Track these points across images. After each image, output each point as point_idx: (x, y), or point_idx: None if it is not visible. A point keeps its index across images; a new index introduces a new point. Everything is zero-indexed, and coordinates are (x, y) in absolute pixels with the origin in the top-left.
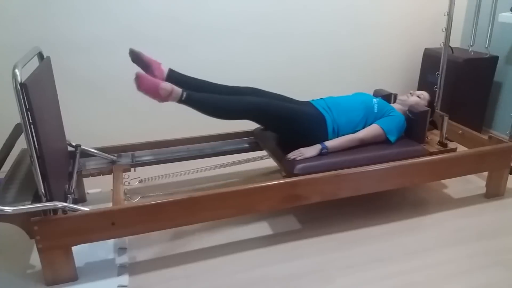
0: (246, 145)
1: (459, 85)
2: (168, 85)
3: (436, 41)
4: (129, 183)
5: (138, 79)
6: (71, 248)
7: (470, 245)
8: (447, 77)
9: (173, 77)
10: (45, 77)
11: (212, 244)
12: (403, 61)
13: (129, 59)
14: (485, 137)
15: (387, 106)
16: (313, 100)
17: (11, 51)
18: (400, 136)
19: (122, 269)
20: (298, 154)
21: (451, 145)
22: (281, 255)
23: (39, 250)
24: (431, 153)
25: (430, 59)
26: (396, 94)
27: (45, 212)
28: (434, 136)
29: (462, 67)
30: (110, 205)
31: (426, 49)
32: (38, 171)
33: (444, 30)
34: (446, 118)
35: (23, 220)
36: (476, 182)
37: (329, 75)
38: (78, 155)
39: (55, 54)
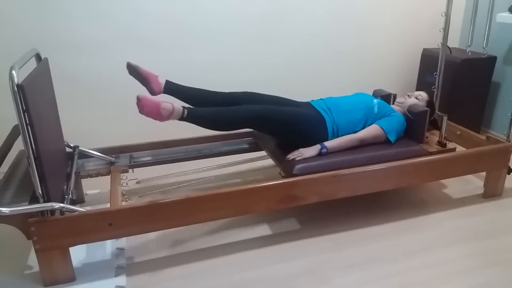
0: (246, 146)
1: (457, 85)
2: (168, 105)
3: (434, 42)
4: (127, 184)
5: (139, 102)
6: (68, 249)
7: (469, 245)
8: (445, 77)
9: (170, 88)
10: (42, 78)
11: (210, 245)
12: (402, 61)
13: (127, 59)
14: (483, 137)
15: (387, 107)
16: (312, 100)
17: (10, 53)
18: (399, 136)
19: (120, 270)
20: (297, 154)
21: (450, 145)
22: (279, 255)
23: (37, 251)
24: (430, 153)
25: (428, 59)
26: (396, 95)
27: (42, 213)
28: (433, 136)
29: (460, 67)
30: (108, 206)
31: (424, 49)
32: (35, 172)
33: (442, 30)
34: (445, 118)
35: (20, 221)
36: (474, 182)
37: (328, 75)
38: (76, 156)
39: (53, 55)
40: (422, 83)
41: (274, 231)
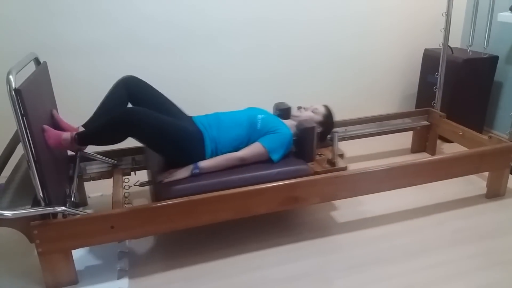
0: None
1: (459, 85)
2: (67, 134)
3: (435, 42)
4: (129, 186)
5: (45, 133)
6: (71, 252)
7: (471, 246)
8: (447, 77)
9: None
10: (41, 82)
11: (212, 247)
12: (403, 62)
13: (127, 62)
14: (486, 137)
15: (273, 122)
16: (194, 116)
17: (9, 57)
18: (285, 154)
19: (122, 273)
20: (167, 176)
21: (341, 164)
22: (280, 257)
23: (39, 254)
24: (316, 173)
25: (430, 59)
26: (300, 108)
27: (45, 216)
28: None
29: (461, 67)
30: (110, 208)
31: (426, 49)
32: (36, 176)
33: (442, 30)
34: (336, 135)
35: (23, 224)
36: (477, 182)
37: (329, 77)
38: (78, 159)
39: (53, 59)
40: (424, 83)
41: (274, 233)
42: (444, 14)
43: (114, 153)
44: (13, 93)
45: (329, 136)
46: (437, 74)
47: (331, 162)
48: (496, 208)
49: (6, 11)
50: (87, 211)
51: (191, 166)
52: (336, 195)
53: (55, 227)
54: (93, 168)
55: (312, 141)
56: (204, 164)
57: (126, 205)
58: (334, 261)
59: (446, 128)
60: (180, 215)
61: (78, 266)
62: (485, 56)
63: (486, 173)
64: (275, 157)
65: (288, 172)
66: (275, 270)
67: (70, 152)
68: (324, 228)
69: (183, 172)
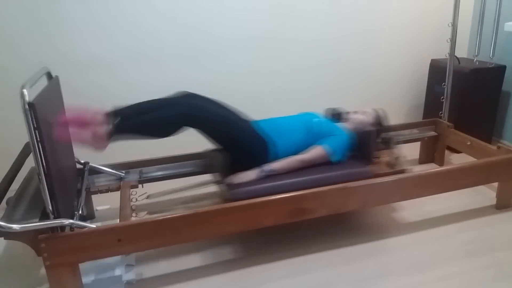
0: None
1: (466, 95)
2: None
3: (442, 52)
4: (136, 199)
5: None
6: (78, 265)
7: (482, 257)
8: (454, 87)
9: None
10: (53, 96)
11: (218, 260)
12: (410, 72)
13: (136, 76)
14: (494, 147)
15: (329, 126)
16: (254, 121)
17: (21, 72)
18: (345, 155)
19: (129, 286)
20: (236, 178)
21: (402, 166)
22: (287, 270)
23: (47, 267)
24: (377, 175)
25: (436, 70)
26: (349, 112)
27: (52, 229)
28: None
29: (468, 77)
30: (118, 221)
31: (432, 60)
32: (46, 189)
33: (449, 41)
34: (394, 139)
35: (30, 238)
36: (486, 193)
37: (337, 88)
38: (86, 172)
39: (64, 73)
40: (431, 94)
41: (281, 245)
42: (450, 25)
43: (122, 166)
44: (27, 106)
45: (379, 139)
46: (444, 85)
47: (391, 164)
48: (506, 219)
49: (19, 27)
50: (95, 224)
51: (258, 169)
52: (343, 207)
53: (63, 240)
54: (100, 181)
55: (371, 144)
56: (270, 167)
57: (134, 218)
58: (342, 274)
59: (454, 138)
60: (187, 227)
61: (85, 279)
62: (491, 66)
63: (496, 184)
64: (335, 158)
65: (350, 174)
66: (282, 283)
67: (78, 166)
68: (332, 241)
69: (251, 174)
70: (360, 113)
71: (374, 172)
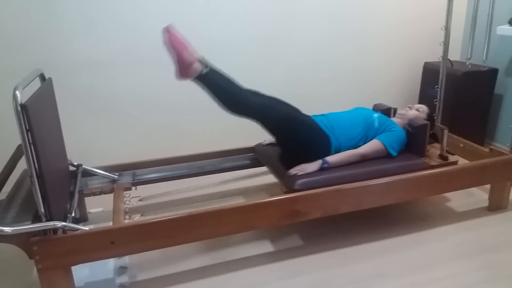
0: (247, 162)
1: (459, 98)
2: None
3: (435, 55)
4: (129, 201)
5: (168, 33)
6: (70, 268)
7: (475, 259)
8: (447, 90)
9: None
10: (46, 98)
11: (213, 262)
12: (403, 75)
13: (130, 78)
14: (487, 149)
15: (388, 121)
16: (314, 116)
17: (15, 74)
18: (400, 150)
19: None
20: (299, 169)
21: (452, 158)
22: (283, 271)
23: (39, 270)
24: (432, 167)
25: (429, 72)
26: (396, 108)
27: (44, 232)
28: (434, 150)
29: (461, 80)
30: (111, 224)
31: (425, 63)
32: (38, 191)
33: (442, 44)
34: (446, 131)
35: (22, 240)
36: (479, 195)
37: (330, 90)
38: (79, 175)
39: (57, 75)
40: (424, 97)
41: (277, 247)
42: (443, 28)
43: (115, 168)
44: (19, 108)
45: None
46: (437, 87)
47: (443, 157)
48: (498, 221)
49: (11, 29)
50: (88, 226)
51: (320, 161)
52: (337, 209)
53: (55, 243)
54: (94, 183)
55: (424, 137)
56: (331, 159)
57: (127, 220)
58: (337, 276)
59: (447, 140)
60: (180, 230)
61: (78, 282)
62: (484, 69)
63: (488, 186)
64: (394, 152)
65: (407, 166)
66: (277, 285)
67: (71, 168)
68: (326, 242)
69: (313, 166)
70: (415, 108)
71: (429, 164)
